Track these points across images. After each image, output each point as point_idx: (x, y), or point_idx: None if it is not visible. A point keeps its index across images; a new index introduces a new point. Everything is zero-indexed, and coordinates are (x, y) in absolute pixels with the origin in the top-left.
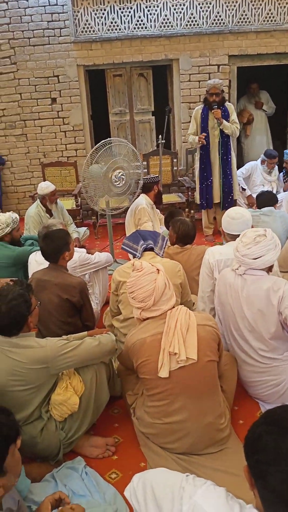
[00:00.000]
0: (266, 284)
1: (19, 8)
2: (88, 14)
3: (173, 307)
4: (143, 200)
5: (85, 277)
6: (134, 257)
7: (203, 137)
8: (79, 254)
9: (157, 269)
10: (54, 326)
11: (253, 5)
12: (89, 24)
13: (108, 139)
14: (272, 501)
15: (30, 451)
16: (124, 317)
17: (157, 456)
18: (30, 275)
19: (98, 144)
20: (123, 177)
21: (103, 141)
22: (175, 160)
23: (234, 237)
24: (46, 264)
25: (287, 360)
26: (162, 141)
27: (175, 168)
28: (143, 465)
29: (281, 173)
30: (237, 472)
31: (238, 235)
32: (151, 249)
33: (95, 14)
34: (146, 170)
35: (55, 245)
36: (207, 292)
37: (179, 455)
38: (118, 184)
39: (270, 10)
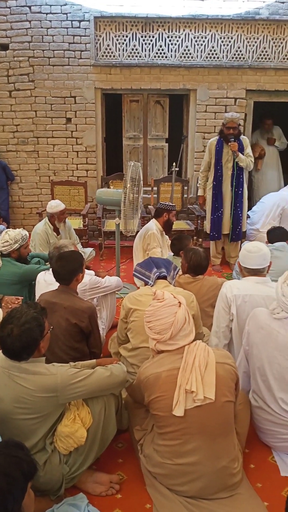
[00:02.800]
0: None
1: (42, 27)
2: (109, 40)
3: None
4: (154, 226)
5: (93, 300)
6: (146, 284)
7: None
8: (89, 277)
9: (179, 302)
10: (59, 351)
11: (274, 42)
12: (110, 49)
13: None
14: None
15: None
16: (132, 346)
17: (164, 499)
18: (37, 294)
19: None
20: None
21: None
22: (185, 188)
23: (251, 271)
24: (55, 284)
25: None
26: (176, 168)
27: (185, 195)
28: (149, 506)
29: None
30: None
31: (255, 269)
32: (164, 277)
33: (117, 39)
34: (156, 196)
35: (70, 267)
36: (223, 328)
37: (187, 499)
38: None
39: None
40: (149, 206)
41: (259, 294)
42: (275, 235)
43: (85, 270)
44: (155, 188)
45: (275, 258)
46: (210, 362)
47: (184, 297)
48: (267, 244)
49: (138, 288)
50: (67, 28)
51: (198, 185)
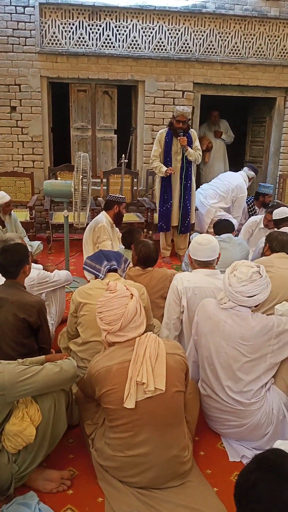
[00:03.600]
0: (256, 323)
1: None
2: (55, 27)
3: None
4: (104, 218)
5: (42, 295)
6: (96, 277)
7: (171, 171)
8: (37, 271)
9: (131, 294)
10: (7, 348)
11: (220, 37)
12: (56, 36)
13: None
14: None
15: None
16: (82, 340)
17: (116, 491)
18: None
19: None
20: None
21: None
22: (135, 180)
23: (201, 263)
24: (2, 280)
25: (252, 407)
26: (125, 160)
27: (135, 188)
28: (101, 500)
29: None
30: (199, 507)
31: (205, 261)
32: (115, 270)
33: (63, 27)
34: (106, 188)
35: (15, 258)
36: (173, 319)
37: (139, 490)
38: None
39: (236, 43)
40: (98, 198)
41: (208, 286)
42: (221, 227)
43: (33, 264)
44: (104, 180)
45: (223, 250)
46: (161, 353)
47: (135, 290)
48: (215, 237)
49: (89, 281)
50: (10, 13)
51: (155, 168)
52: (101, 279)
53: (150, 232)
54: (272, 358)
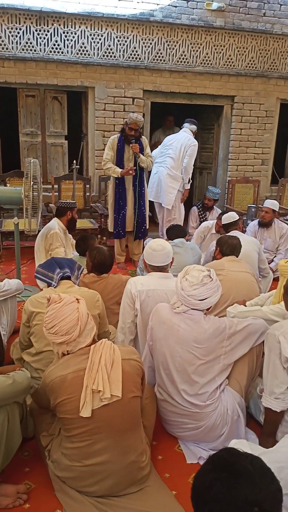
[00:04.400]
0: (209, 325)
1: None
2: (2, 31)
3: (95, 340)
4: (56, 225)
5: None
6: (49, 286)
7: (131, 170)
8: None
9: (76, 298)
10: None
11: (168, 45)
12: (2, 41)
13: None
14: None
15: None
16: (36, 350)
17: (74, 502)
18: None
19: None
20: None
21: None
22: (87, 186)
23: (155, 268)
24: None
25: (208, 409)
26: (77, 166)
27: (87, 194)
28: (59, 511)
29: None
30: None
31: (160, 266)
32: (68, 278)
33: (10, 32)
34: (57, 194)
35: None
36: (128, 323)
37: (98, 499)
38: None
39: (183, 52)
40: (50, 205)
41: (161, 289)
42: (173, 232)
43: None
44: (56, 186)
45: (176, 254)
46: (116, 359)
47: (90, 297)
48: (168, 242)
49: (41, 290)
50: None
51: (108, 169)
52: (54, 287)
53: (104, 238)
54: (226, 359)
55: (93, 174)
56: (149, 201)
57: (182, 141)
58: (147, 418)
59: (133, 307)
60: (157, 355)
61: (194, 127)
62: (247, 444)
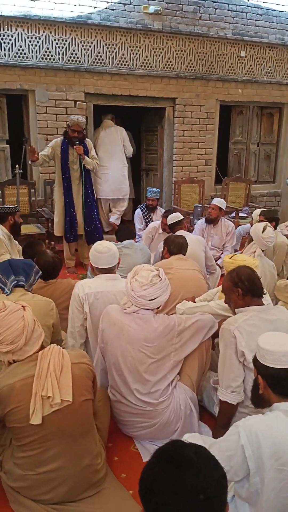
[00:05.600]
0: (159, 324)
1: None
2: None
3: (43, 346)
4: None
5: None
6: (2, 292)
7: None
8: None
9: (22, 306)
10: None
11: (107, 48)
12: None
13: None
14: None
15: None
16: None
17: (29, 511)
18: None
19: None
20: None
21: None
22: (32, 190)
23: (102, 270)
24: None
25: (161, 406)
26: (20, 171)
27: (33, 198)
28: None
29: None
30: None
31: (107, 268)
32: (22, 286)
33: None
34: (1, 200)
35: None
36: (77, 327)
37: (54, 506)
38: None
39: (123, 54)
40: None
41: (110, 290)
42: (122, 234)
43: None
44: None
45: (125, 256)
46: (66, 364)
47: (43, 306)
48: (117, 243)
49: None
50: None
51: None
52: (7, 295)
53: (53, 243)
54: (176, 356)
55: (38, 178)
56: None
57: None
58: (100, 420)
59: (82, 310)
60: (109, 356)
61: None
62: (199, 437)
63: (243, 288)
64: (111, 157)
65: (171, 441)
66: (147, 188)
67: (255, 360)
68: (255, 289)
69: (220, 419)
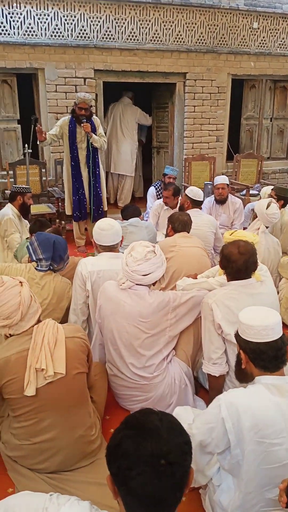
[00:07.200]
0: (153, 299)
1: None
2: None
3: (39, 321)
4: (10, 211)
5: None
6: (30, 259)
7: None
8: None
9: (20, 282)
10: None
11: (116, 23)
12: None
13: None
14: (135, 507)
15: None
16: None
17: (25, 479)
18: None
19: None
20: None
21: None
22: (43, 170)
23: (105, 248)
24: None
25: (155, 380)
26: (29, 150)
27: (44, 178)
28: (11, 490)
29: None
30: None
31: (109, 246)
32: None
33: None
34: (13, 180)
35: None
36: (80, 305)
37: (49, 475)
38: None
39: (133, 29)
40: (6, 191)
41: (112, 268)
42: (128, 212)
43: None
44: (11, 172)
45: (131, 234)
46: (60, 338)
47: (62, 288)
48: (123, 221)
49: None
50: None
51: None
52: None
53: (63, 222)
54: (171, 331)
55: (49, 158)
56: None
57: None
58: (97, 393)
59: (84, 288)
60: (106, 331)
61: None
62: (190, 409)
63: (225, 266)
64: (123, 133)
65: (141, 409)
66: (166, 166)
67: (236, 335)
68: (233, 267)
69: (210, 393)
